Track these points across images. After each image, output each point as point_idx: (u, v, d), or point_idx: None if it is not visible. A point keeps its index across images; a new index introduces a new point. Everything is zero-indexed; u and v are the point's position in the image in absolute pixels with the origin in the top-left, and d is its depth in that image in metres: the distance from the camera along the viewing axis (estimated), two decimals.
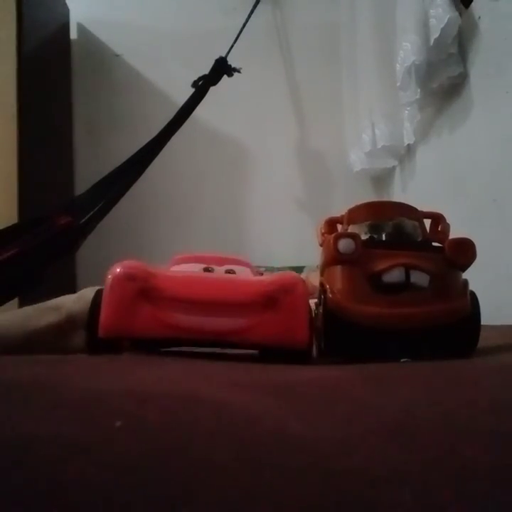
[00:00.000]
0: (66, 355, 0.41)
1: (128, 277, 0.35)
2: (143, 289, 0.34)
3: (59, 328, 0.48)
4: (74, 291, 0.52)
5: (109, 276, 0.36)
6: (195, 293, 0.35)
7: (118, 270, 0.36)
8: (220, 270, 0.41)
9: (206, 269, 0.40)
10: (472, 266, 0.41)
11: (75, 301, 0.48)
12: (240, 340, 0.35)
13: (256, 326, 0.34)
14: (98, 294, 0.37)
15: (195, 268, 0.40)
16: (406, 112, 1.19)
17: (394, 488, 0.13)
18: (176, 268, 0.41)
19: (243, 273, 0.41)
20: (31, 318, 0.49)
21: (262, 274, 0.44)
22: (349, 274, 0.40)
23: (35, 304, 0.51)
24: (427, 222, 0.46)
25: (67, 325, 0.48)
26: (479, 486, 0.14)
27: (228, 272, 0.41)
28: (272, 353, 0.37)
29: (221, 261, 0.42)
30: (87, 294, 0.49)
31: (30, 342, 0.47)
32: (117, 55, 1.62)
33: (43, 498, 0.12)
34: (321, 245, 0.45)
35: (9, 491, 0.12)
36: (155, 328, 0.34)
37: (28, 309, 0.51)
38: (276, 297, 0.35)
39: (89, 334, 0.37)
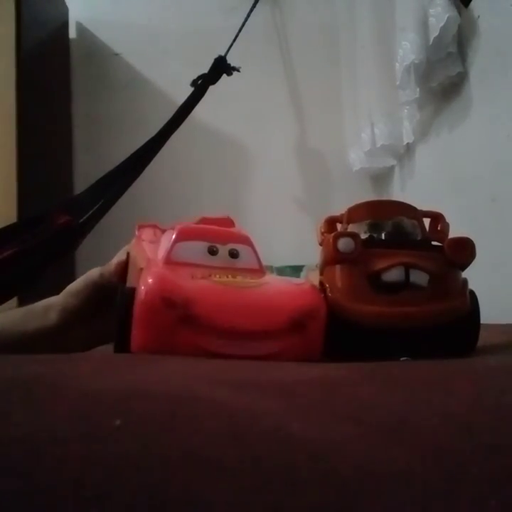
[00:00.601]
0: (66, 354, 0.41)
1: (166, 304, 0.33)
2: (181, 317, 0.34)
3: (51, 329, 0.47)
4: None
5: (144, 290, 0.34)
6: (235, 322, 0.35)
7: (152, 286, 0.34)
8: (224, 250, 0.41)
9: (210, 250, 0.40)
10: (471, 265, 0.41)
11: (63, 299, 0.48)
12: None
13: (285, 350, 0.36)
14: (126, 295, 0.35)
15: (200, 249, 0.40)
16: (405, 111, 1.19)
17: (394, 488, 0.13)
18: (181, 247, 0.40)
19: (247, 254, 0.42)
20: (19, 322, 0.48)
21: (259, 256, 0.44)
22: (349, 273, 0.40)
23: (33, 303, 0.51)
24: (427, 222, 0.46)
25: (60, 325, 0.47)
26: (480, 486, 0.14)
27: (232, 253, 0.41)
28: None
29: (224, 237, 0.42)
30: (69, 286, 0.49)
31: (23, 347, 0.47)
32: (116, 54, 1.62)
33: (42, 497, 0.12)
34: (320, 244, 0.45)
35: (9, 490, 0.12)
36: (190, 351, 0.34)
37: (15, 313, 0.51)
38: (303, 322, 0.36)
39: (118, 341, 0.36)
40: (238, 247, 0.42)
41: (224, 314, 0.35)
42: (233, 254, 0.41)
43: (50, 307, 0.48)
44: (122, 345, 0.36)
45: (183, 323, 0.34)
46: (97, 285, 0.47)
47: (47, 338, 0.47)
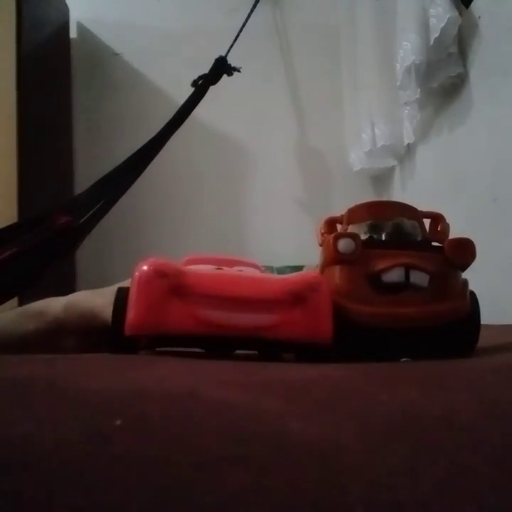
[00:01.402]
0: (63, 354, 0.41)
1: (159, 274, 0.34)
2: (174, 286, 0.34)
3: (44, 334, 0.46)
4: (74, 291, 0.52)
5: (137, 274, 0.35)
6: (228, 289, 0.35)
7: (147, 267, 0.35)
8: (230, 270, 0.41)
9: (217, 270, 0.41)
10: (472, 265, 0.41)
11: (64, 309, 0.47)
12: (269, 336, 0.35)
13: (285, 323, 0.35)
14: (122, 292, 0.37)
15: (207, 269, 0.41)
16: (406, 111, 1.19)
17: (394, 488, 0.13)
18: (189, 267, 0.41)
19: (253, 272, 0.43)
20: (13, 323, 0.48)
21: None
22: (349, 273, 0.40)
23: (30, 304, 0.50)
24: (427, 222, 0.46)
25: (54, 331, 0.46)
26: (479, 486, 0.14)
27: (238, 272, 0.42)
28: (305, 354, 0.38)
29: (231, 262, 0.43)
30: (76, 300, 0.48)
31: (13, 347, 0.46)
32: (117, 54, 1.62)
33: (42, 497, 0.12)
34: (320, 245, 0.45)
35: (8, 490, 0.12)
36: (186, 325, 0.34)
37: (10, 314, 0.50)
38: (303, 295, 0.36)
39: (113, 333, 0.36)
40: (244, 268, 0.43)
41: (217, 282, 0.35)
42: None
43: (46, 312, 0.47)
44: (118, 345, 0.36)
45: (176, 293, 0.34)
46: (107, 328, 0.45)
47: (36, 342, 0.46)
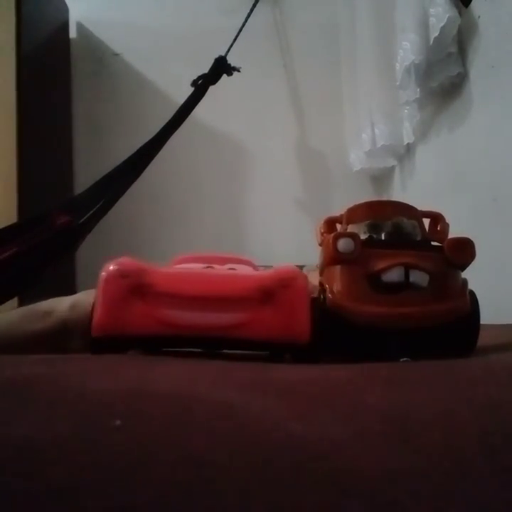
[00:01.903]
0: (65, 354, 0.41)
1: (120, 274, 0.34)
2: (136, 286, 0.33)
3: (50, 335, 0.46)
4: (74, 291, 0.52)
5: (102, 274, 0.35)
6: (190, 288, 0.33)
7: (110, 268, 0.35)
8: (221, 269, 0.40)
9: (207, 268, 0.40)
10: (472, 265, 0.41)
11: (70, 309, 0.47)
12: (237, 335, 0.33)
13: (253, 321, 0.33)
14: None
15: (195, 267, 0.40)
16: (405, 111, 1.19)
17: (393, 488, 0.13)
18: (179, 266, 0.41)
19: (245, 271, 0.41)
20: (19, 323, 0.48)
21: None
22: (348, 273, 0.40)
23: (33, 304, 0.50)
24: (427, 222, 0.46)
25: (60, 332, 0.46)
26: (479, 486, 0.14)
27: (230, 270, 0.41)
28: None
29: (223, 260, 0.41)
30: (82, 300, 0.47)
31: (19, 347, 0.46)
32: (116, 54, 1.62)
33: (41, 498, 0.12)
34: (320, 245, 0.45)
35: (8, 491, 0.12)
36: (149, 325, 0.33)
37: (16, 314, 0.50)
38: (274, 291, 0.34)
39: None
40: (237, 266, 0.41)
41: (180, 281, 0.34)
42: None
43: (52, 312, 0.47)
44: (94, 347, 0.36)
45: (138, 293, 0.33)
46: None
47: (43, 342, 0.46)
